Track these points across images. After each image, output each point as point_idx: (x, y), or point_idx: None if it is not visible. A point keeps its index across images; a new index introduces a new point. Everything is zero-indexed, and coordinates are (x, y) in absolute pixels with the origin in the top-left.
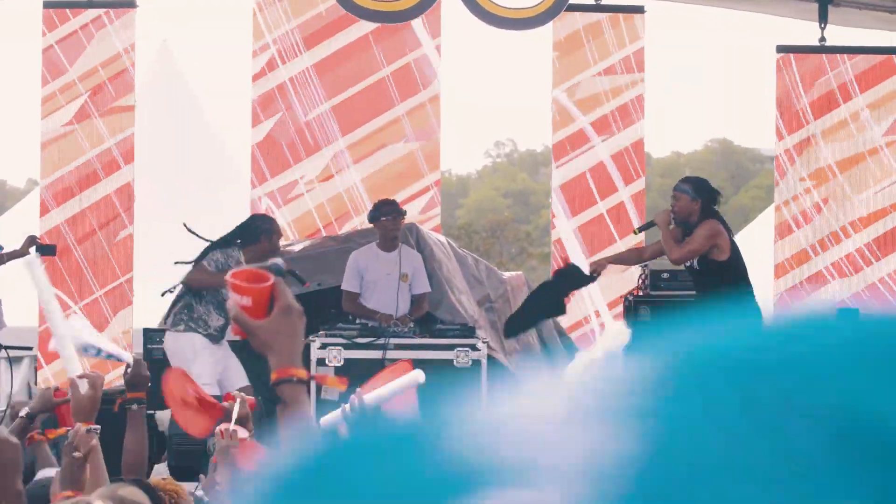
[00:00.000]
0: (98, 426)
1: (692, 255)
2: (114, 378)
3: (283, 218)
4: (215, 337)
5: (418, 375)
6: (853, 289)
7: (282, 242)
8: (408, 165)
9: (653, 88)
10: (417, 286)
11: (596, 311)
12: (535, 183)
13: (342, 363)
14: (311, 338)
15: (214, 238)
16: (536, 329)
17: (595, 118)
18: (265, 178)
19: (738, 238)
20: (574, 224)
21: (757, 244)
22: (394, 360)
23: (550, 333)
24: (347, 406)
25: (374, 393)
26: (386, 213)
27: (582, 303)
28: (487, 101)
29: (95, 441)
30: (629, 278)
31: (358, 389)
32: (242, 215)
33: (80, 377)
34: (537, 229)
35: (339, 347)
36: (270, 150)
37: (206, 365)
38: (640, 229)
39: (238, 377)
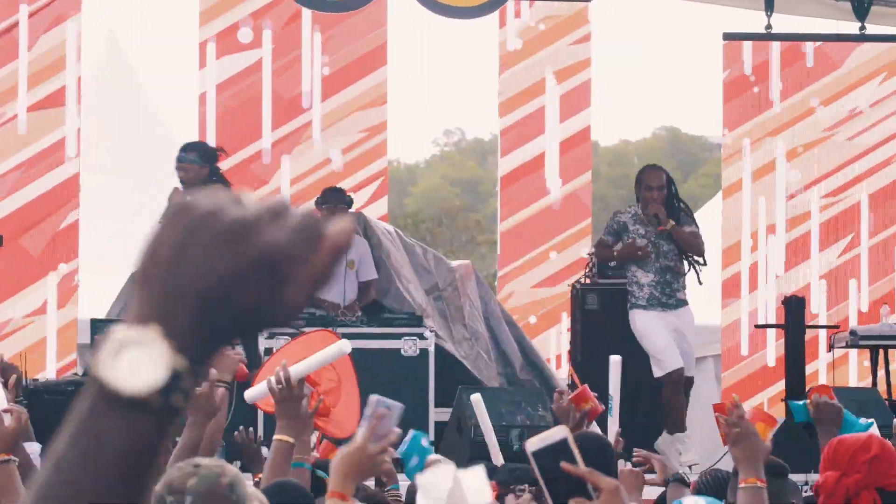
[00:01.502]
0: (14, 458)
1: None
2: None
3: None
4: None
5: (343, 346)
6: (802, 275)
7: None
8: (354, 154)
9: (599, 77)
10: (364, 273)
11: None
12: (484, 171)
13: None
14: None
15: None
16: (484, 317)
17: (541, 106)
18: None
19: None
20: (523, 214)
21: (705, 231)
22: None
23: (498, 320)
24: (273, 378)
25: (298, 366)
26: (327, 202)
27: (523, 288)
28: (435, 89)
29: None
30: (576, 266)
31: (283, 362)
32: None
33: (5, 410)
34: (486, 217)
35: (287, 337)
36: (218, 140)
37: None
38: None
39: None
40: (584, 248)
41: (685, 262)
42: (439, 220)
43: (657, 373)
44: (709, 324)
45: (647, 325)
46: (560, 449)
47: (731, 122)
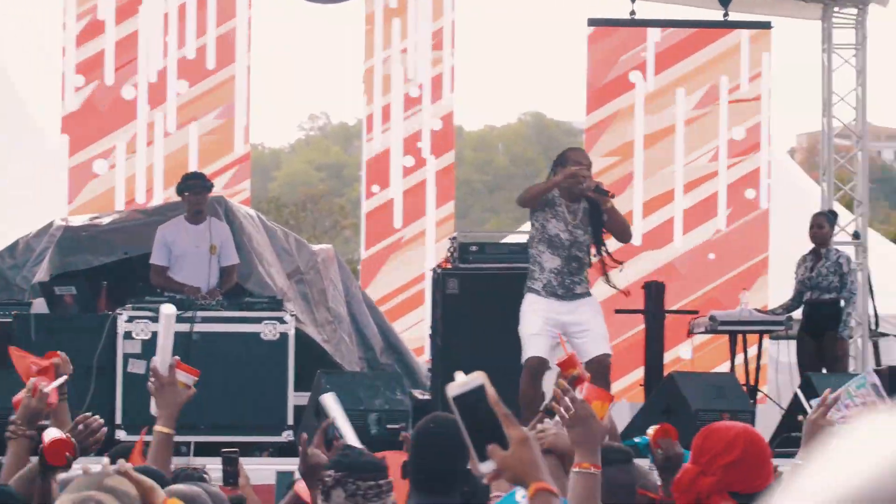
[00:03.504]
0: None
1: None
2: None
3: (91, 191)
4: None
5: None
6: (661, 260)
7: (89, 217)
8: (218, 138)
9: (465, 62)
10: (226, 258)
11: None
12: (348, 156)
13: (149, 336)
14: (117, 311)
15: None
16: (346, 301)
17: (405, 91)
18: (78, 149)
19: None
20: (384, 197)
21: None
22: (200, 333)
23: (360, 304)
24: (151, 377)
25: (157, 356)
26: (190, 187)
27: (391, 275)
28: (301, 74)
29: None
30: (440, 250)
31: (153, 357)
32: (56, 187)
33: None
34: (350, 202)
35: (146, 321)
36: (82, 122)
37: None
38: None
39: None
40: (448, 233)
41: (596, 252)
42: (303, 205)
43: (522, 358)
44: None
45: (529, 309)
46: (479, 394)
47: (594, 107)
